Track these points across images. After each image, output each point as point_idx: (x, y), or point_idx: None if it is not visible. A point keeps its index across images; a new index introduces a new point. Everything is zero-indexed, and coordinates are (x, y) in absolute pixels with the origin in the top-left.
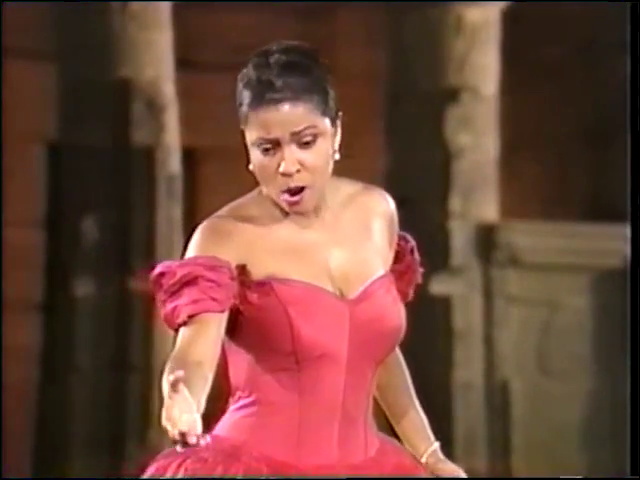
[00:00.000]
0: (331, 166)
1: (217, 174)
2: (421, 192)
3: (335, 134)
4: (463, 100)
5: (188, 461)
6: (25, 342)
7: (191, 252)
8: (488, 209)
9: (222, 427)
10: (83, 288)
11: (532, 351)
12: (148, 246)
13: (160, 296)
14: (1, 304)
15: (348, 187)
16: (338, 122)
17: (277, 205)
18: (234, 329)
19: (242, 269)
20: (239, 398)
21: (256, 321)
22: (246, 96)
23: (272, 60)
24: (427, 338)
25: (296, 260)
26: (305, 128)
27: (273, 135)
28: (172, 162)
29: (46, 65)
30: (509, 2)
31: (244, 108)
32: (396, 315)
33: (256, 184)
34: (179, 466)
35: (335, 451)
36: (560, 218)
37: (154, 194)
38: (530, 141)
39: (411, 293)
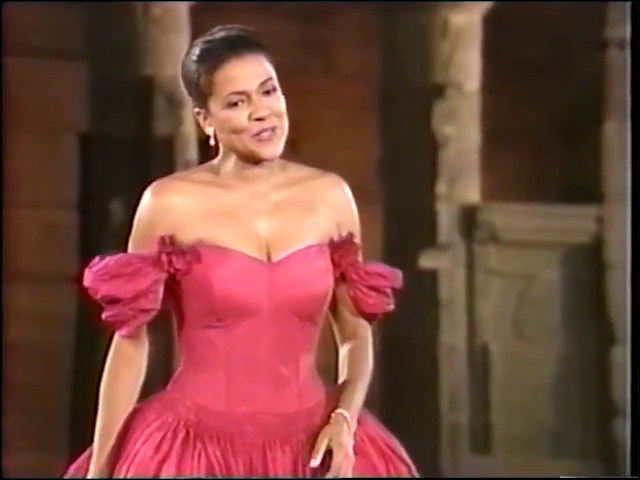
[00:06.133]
0: None
1: None
2: (411, 178)
3: None
4: (448, 95)
5: (135, 420)
6: (61, 310)
7: (136, 217)
8: (471, 192)
9: (170, 384)
10: None
11: (509, 318)
12: None
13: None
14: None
15: (301, 170)
16: None
17: (227, 174)
18: (171, 295)
19: (173, 239)
20: (182, 356)
21: (184, 285)
22: (203, 67)
23: (215, 34)
24: (416, 307)
25: (227, 226)
26: (268, 79)
27: (243, 87)
28: (189, 150)
29: (78, 64)
30: (490, 7)
31: (204, 79)
32: (319, 280)
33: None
34: (130, 416)
35: (265, 402)
36: (535, 200)
37: None
38: (509, 132)
39: (345, 264)
